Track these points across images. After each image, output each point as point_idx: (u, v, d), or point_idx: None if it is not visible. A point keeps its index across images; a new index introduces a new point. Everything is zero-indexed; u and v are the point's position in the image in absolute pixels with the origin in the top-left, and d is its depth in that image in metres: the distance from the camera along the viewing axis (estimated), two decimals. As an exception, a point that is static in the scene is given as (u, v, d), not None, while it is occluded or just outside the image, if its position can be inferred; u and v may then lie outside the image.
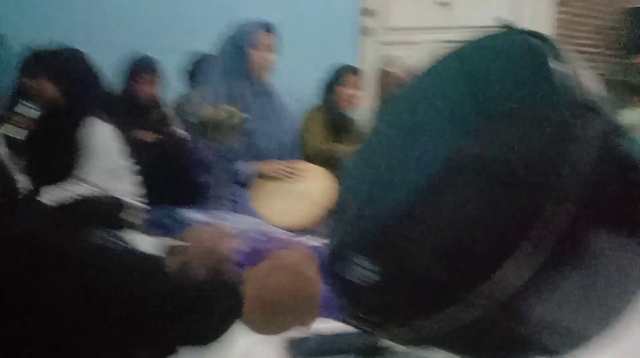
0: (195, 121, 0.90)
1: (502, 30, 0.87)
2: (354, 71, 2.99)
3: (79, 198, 1.98)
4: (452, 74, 0.92)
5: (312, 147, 2.69)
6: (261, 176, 2.24)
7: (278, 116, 2.33)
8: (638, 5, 6.11)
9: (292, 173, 2.20)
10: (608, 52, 5.85)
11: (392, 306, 0.76)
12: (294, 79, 3.15)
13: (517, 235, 0.65)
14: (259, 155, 2.26)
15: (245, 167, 2.24)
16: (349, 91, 2.90)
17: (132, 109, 2.69)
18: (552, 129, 0.66)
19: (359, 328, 0.87)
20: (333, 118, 2.87)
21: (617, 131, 0.69)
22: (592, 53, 4.85)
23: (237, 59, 2.24)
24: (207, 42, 2.42)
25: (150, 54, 2.82)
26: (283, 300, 0.83)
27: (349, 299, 0.86)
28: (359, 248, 0.88)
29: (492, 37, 0.87)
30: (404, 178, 0.89)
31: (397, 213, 0.86)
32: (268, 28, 2.24)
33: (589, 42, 5.66)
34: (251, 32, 2.22)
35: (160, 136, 2.62)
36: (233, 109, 0.90)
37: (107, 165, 2.18)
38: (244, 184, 2.26)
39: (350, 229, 0.96)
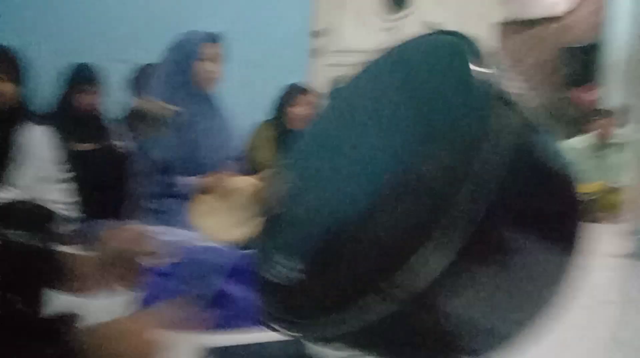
0: (125, 113, 0.85)
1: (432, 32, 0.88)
2: (304, 90, 3.01)
3: (5, 201, 1.90)
4: (385, 73, 0.92)
5: (261, 163, 2.68)
6: (201, 190, 2.19)
7: (221, 129, 2.29)
8: (574, 45, 6.50)
9: (229, 185, 2.16)
10: (547, 87, 6.16)
11: (309, 303, 0.74)
12: (243, 97, 3.16)
13: (429, 225, 0.64)
14: (199, 168, 2.20)
15: (185, 181, 2.18)
16: (299, 110, 2.91)
17: (70, 118, 2.60)
18: (468, 123, 0.66)
19: (279, 330, 0.84)
20: (283, 136, 2.87)
21: (534, 128, 0.69)
22: (531, 88, 5.06)
23: (181, 70, 2.19)
24: (152, 52, 2.37)
25: (92, 64, 2.75)
26: None
27: (269, 300, 0.83)
28: (282, 248, 0.86)
29: (421, 38, 0.88)
30: (328, 178, 0.87)
31: (319, 212, 0.84)
32: (214, 39, 2.20)
33: (528, 76, 5.95)
34: (196, 43, 2.18)
35: (97, 147, 2.53)
36: (163, 103, 0.86)
37: (40, 172, 2.13)
38: (183, 198, 2.20)
39: (277, 230, 0.93)
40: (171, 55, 2.23)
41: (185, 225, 2.12)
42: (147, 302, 1.24)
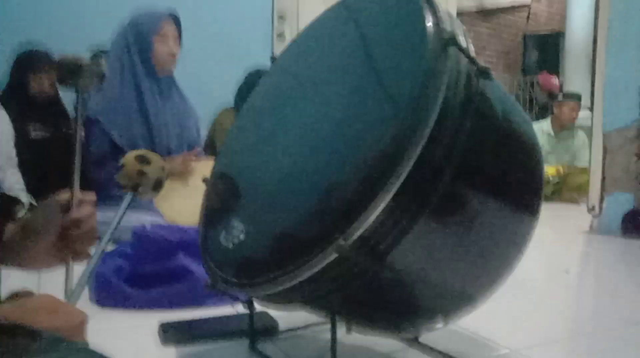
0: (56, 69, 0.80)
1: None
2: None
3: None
4: (337, 22, 0.90)
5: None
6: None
7: (179, 110, 2.23)
8: (537, 33, 6.61)
9: (191, 169, 2.11)
10: (511, 73, 6.26)
11: (262, 261, 0.70)
12: (206, 82, 3.10)
13: (384, 176, 0.61)
14: (158, 151, 2.15)
15: None
16: None
17: (25, 103, 2.50)
18: (420, 66, 0.64)
19: (233, 292, 0.81)
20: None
21: (482, 73, 0.67)
22: (496, 74, 5.14)
23: (139, 49, 2.12)
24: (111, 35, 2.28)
25: (48, 48, 2.64)
26: None
27: (222, 266, 0.79)
28: (238, 212, 0.83)
29: None
30: (278, 137, 0.84)
31: (271, 173, 0.81)
32: (172, 18, 2.13)
33: (493, 63, 6.02)
34: (155, 22, 2.11)
35: (53, 132, 2.44)
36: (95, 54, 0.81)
37: (2, 157, 2.08)
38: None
39: (234, 196, 0.90)
40: (129, 33, 2.15)
41: (149, 208, 2.06)
42: (102, 280, 1.19)
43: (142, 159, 0.82)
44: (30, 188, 2.22)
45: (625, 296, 1.45)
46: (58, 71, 0.79)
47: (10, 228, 0.78)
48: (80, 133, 0.83)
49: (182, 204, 2.04)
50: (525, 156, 0.78)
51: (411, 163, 0.61)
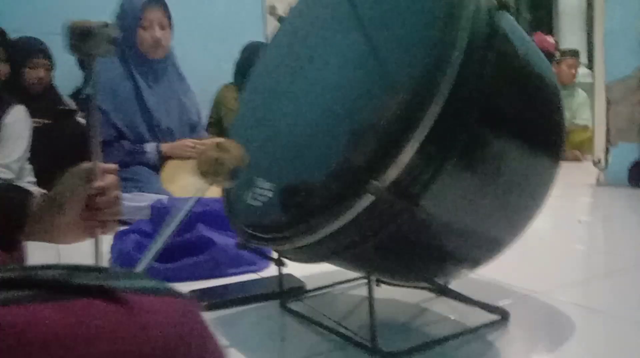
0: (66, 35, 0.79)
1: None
2: (264, 46, 2.95)
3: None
4: None
5: (230, 117, 2.72)
6: (168, 156, 2.13)
7: (177, 92, 2.21)
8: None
9: (193, 152, 2.10)
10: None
11: (297, 213, 0.70)
12: (203, 58, 3.07)
13: (413, 121, 0.61)
14: (160, 134, 2.14)
15: (151, 148, 2.12)
16: None
17: (21, 92, 2.48)
18: (438, 3, 0.63)
19: (261, 250, 0.81)
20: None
21: (502, 7, 0.67)
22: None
23: (126, 39, 2.10)
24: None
25: (40, 37, 2.61)
26: None
27: (251, 225, 0.80)
28: (258, 171, 0.83)
29: None
30: (298, 95, 0.84)
31: (294, 129, 0.81)
32: (157, 3, 2.08)
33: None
34: (137, 10, 2.07)
35: (51, 121, 2.43)
36: (106, 22, 0.80)
37: (23, 153, 2.10)
38: (151, 165, 2.14)
39: (258, 157, 0.90)
40: (116, 22, 2.13)
41: (157, 191, 2.07)
42: (123, 255, 1.20)
43: (221, 147, 0.80)
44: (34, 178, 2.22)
45: (636, 240, 1.47)
46: (69, 37, 0.78)
47: (36, 200, 0.78)
48: (95, 104, 0.83)
49: (190, 183, 2.05)
50: (547, 98, 0.78)
51: (439, 105, 0.61)
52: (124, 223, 1.45)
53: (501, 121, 0.71)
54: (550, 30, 6.01)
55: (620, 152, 2.56)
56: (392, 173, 0.62)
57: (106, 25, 0.77)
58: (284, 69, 0.92)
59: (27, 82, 2.51)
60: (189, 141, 2.15)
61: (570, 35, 5.52)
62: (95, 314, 0.28)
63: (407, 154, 0.61)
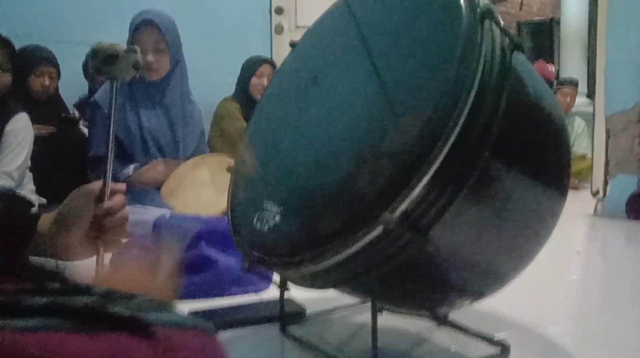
0: (89, 57, 0.80)
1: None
2: (265, 61, 2.99)
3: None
4: (341, 20, 0.90)
5: (233, 130, 2.72)
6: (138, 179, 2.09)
7: (174, 115, 2.18)
8: (532, 20, 6.63)
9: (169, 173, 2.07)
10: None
11: (304, 240, 0.71)
12: (207, 75, 3.09)
13: (423, 155, 0.62)
14: (153, 153, 2.12)
15: (124, 174, 2.09)
16: (262, 80, 2.91)
17: (26, 101, 2.49)
18: (457, 40, 0.64)
19: (264, 274, 0.81)
20: (247, 106, 2.85)
21: (516, 47, 0.68)
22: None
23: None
24: (110, 33, 2.26)
25: (50, 47, 2.64)
26: None
27: (257, 248, 0.80)
28: (267, 194, 0.83)
29: None
30: (307, 120, 0.85)
31: (302, 156, 0.81)
32: (148, 23, 2.00)
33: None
34: (130, 32, 2.02)
35: (55, 130, 2.44)
36: (132, 47, 0.81)
37: (24, 161, 2.10)
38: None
39: (266, 179, 0.90)
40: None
41: (160, 204, 2.06)
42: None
43: None
44: (35, 186, 2.22)
45: (633, 276, 1.47)
46: (93, 59, 0.79)
47: (44, 218, 0.78)
48: (114, 124, 0.83)
49: (191, 197, 2.04)
50: (555, 136, 0.79)
51: (452, 139, 0.62)
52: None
53: (511, 157, 0.72)
54: (551, 59, 6.09)
55: (619, 183, 2.58)
56: (404, 204, 0.62)
57: (132, 50, 0.79)
58: (294, 94, 0.93)
59: (33, 90, 2.53)
60: (159, 164, 2.12)
61: (570, 64, 5.59)
62: (127, 349, 0.28)
63: (420, 186, 0.62)
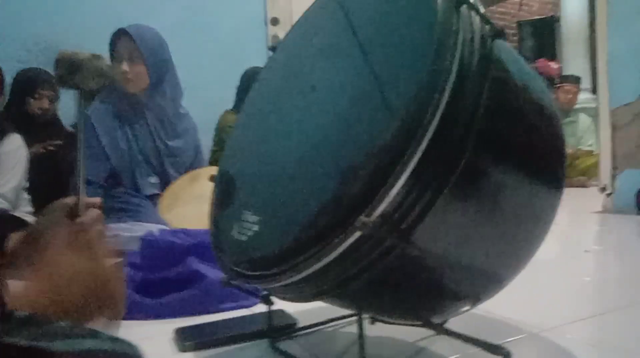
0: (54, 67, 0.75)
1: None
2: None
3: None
4: (321, 18, 0.86)
5: None
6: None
7: (161, 128, 2.13)
8: (533, 19, 6.58)
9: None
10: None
11: (282, 250, 0.66)
12: (204, 87, 3.08)
13: (402, 149, 0.57)
14: (144, 171, 2.08)
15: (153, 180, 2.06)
16: None
17: (25, 122, 2.49)
18: (432, 28, 0.60)
19: (247, 284, 0.77)
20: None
21: (497, 34, 0.64)
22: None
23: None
24: (102, 46, 2.25)
25: (44, 68, 2.65)
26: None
27: (236, 261, 0.76)
28: (246, 204, 0.79)
29: None
30: (288, 122, 0.81)
31: (280, 164, 0.77)
32: (124, 35, 1.93)
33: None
34: (109, 44, 1.96)
35: (52, 149, 2.43)
36: (97, 53, 0.76)
37: (19, 182, 2.08)
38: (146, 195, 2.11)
39: (243, 189, 0.86)
40: None
41: (156, 220, 2.03)
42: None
43: None
44: (34, 208, 2.20)
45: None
46: (56, 69, 0.75)
47: (15, 236, 0.75)
48: (83, 139, 0.79)
49: (187, 211, 2.01)
50: (546, 125, 0.74)
51: (430, 133, 0.57)
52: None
53: (498, 149, 0.67)
54: (553, 56, 6.02)
55: (627, 178, 2.51)
56: (381, 206, 0.58)
57: (96, 57, 0.74)
58: (274, 99, 0.89)
59: (31, 112, 2.53)
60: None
61: (573, 60, 5.52)
62: None
63: (397, 186, 0.58)
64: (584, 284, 1.33)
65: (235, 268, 0.74)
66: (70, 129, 2.76)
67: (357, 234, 0.58)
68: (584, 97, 4.61)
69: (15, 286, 0.52)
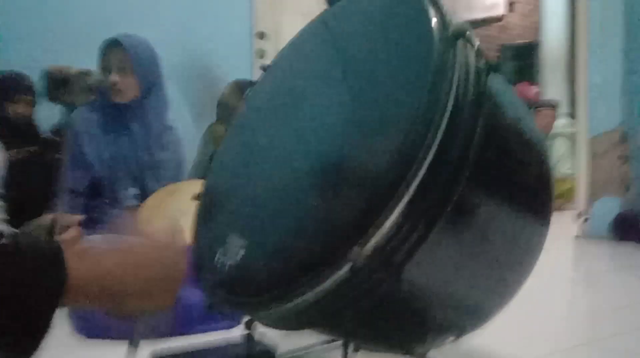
0: (43, 82, 0.73)
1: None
2: (250, 83, 2.94)
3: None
4: (314, 44, 0.86)
5: None
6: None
7: (145, 139, 2.10)
8: (513, 44, 6.71)
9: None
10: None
11: (268, 277, 0.65)
12: (194, 101, 3.06)
13: (396, 182, 0.57)
14: (124, 182, 2.04)
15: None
16: None
17: (3, 128, 2.43)
18: (428, 63, 0.60)
19: (230, 312, 0.75)
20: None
21: (492, 68, 0.64)
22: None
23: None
24: (89, 59, 2.21)
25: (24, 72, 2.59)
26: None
27: (219, 285, 0.74)
28: (237, 228, 0.77)
29: None
30: (277, 148, 0.80)
31: (269, 187, 0.76)
32: (116, 45, 1.87)
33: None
34: (100, 52, 1.98)
35: (30, 155, 2.37)
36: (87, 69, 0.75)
37: None
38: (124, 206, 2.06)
39: (230, 210, 0.84)
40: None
41: (130, 232, 1.99)
42: (83, 319, 1.12)
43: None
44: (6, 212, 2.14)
45: (623, 301, 1.43)
46: (45, 84, 0.73)
47: None
48: (70, 154, 0.77)
49: (165, 226, 1.97)
50: (535, 159, 0.75)
51: (425, 167, 0.57)
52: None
53: (491, 184, 0.67)
54: (533, 81, 6.15)
55: (603, 205, 2.56)
56: (374, 239, 0.57)
57: (86, 73, 0.72)
58: (263, 119, 0.88)
59: (8, 116, 2.47)
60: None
61: (552, 85, 5.64)
62: None
63: (391, 220, 0.57)
64: (560, 314, 1.34)
65: (218, 292, 0.72)
66: (47, 135, 2.71)
67: (348, 266, 0.57)
68: (561, 122, 4.70)
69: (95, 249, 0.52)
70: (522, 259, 0.77)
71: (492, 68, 0.64)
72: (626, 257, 2.14)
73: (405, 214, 0.57)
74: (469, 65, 0.62)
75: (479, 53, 0.64)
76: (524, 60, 6.50)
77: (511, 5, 6.86)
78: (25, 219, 2.18)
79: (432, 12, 0.64)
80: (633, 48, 2.49)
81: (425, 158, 0.57)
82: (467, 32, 0.61)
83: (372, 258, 0.57)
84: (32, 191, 2.26)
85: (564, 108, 4.98)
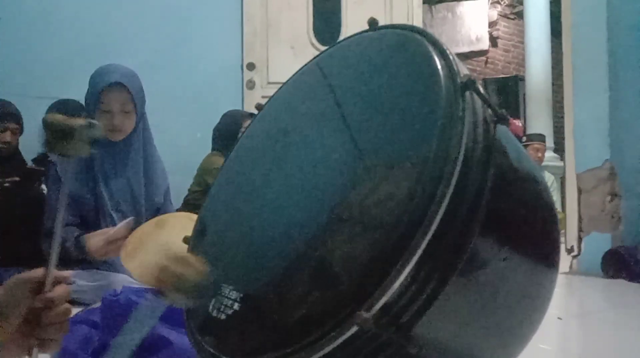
0: (42, 133, 0.69)
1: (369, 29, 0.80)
2: (252, 115, 2.91)
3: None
4: (312, 87, 0.84)
5: None
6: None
7: (135, 174, 2.05)
8: (497, 77, 6.83)
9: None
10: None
11: (264, 337, 0.61)
12: (180, 132, 3.04)
13: (405, 240, 0.54)
14: (101, 219, 1.98)
15: (70, 237, 1.92)
16: None
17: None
18: (436, 117, 0.58)
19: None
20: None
21: (500, 119, 0.62)
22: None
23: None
24: (79, 88, 2.17)
25: (14, 100, 2.56)
26: None
27: (211, 340, 0.70)
28: (226, 277, 0.74)
29: (358, 37, 0.80)
30: (275, 198, 0.76)
31: (267, 240, 0.73)
32: (117, 85, 1.87)
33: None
34: (95, 95, 1.88)
35: (13, 186, 2.31)
36: (89, 119, 0.71)
37: None
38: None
39: (224, 261, 0.81)
40: (86, 102, 2.02)
41: (115, 268, 1.93)
42: (67, 354, 1.06)
43: (183, 262, 0.70)
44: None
45: (616, 339, 1.41)
46: (46, 134, 0.69)
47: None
48: (65, 202, 0.73)
49: (151, 260, 1.91)
50: (544, 208, 0.73)
51: (435, 224, 0.54)
52: (74, 303, 1.31)
53: (502, 234, 0.64)
54: (517, 114, 6.24)
55: (593, 240, 2.56)
56: (382, 300, 0.54)
57: (90, 126, 0.69)
58: (259, 160, 0.85)
59: (-5, 146, 2.43)
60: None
61: (536, 119, 5.72)
62: None
63: (400, 278, 0.54)
64: (550, 355, 1.31)
65: (209, 349, 0.68)
66: (30, 164, 2.65)
67: (354, 329, 0.53)
68: (547, 155, 4.75)
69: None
70: (533, 310, 0.74)
71: (500, 119, 0.62)
72: (620, 294, 2.12)
73: (414, 275, 0.54)
74: (477, 115, 0.60)
75: (487, 103, 0.62)
76: (507, 94, 6.61)
77: (494, 40, 7.01)
78: (7, 250, 2.11)
79: (437, 59, 0.63)
80: (618, 84, 2.53)
81: (435, 215, 0.54)
82: (476, 83, 0.60)
83: (378, 319, 0.54)
84: (14, 221, 2.20)
85: (548, 142, 5.04)
